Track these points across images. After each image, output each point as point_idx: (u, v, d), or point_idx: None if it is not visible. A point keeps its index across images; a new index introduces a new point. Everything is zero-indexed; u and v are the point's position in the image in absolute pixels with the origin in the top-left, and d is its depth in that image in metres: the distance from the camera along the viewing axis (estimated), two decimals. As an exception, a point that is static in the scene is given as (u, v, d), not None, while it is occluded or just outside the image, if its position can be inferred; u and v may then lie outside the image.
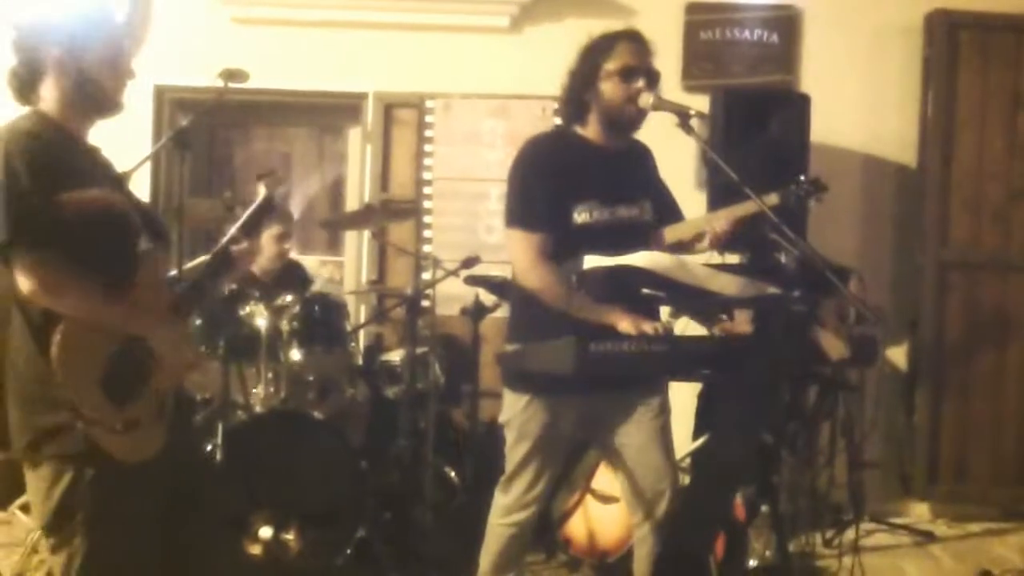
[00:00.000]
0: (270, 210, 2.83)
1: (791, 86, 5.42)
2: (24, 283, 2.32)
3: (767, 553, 3.98)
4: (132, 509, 2.42)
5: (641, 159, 3.33)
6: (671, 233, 3.30)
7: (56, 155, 2.40)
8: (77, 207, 2.37)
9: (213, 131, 5.95)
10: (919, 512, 5.37)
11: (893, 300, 5.42)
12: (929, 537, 4.98)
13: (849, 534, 4.49)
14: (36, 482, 2.43)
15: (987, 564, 4.42)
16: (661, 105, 3.02)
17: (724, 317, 3.05)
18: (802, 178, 3.21)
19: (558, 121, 3.63)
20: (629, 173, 3.24)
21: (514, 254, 3.16)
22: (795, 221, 3.67)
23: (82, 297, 2.36)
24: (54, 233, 2.33)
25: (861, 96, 5.44)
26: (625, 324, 2.84)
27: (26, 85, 2.51)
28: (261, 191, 2.80)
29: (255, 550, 3.91)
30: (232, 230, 2.76)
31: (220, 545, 2.80)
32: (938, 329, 5.32)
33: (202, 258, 3.11)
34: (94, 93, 2.50)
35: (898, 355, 5.47)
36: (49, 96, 2.49)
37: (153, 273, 2.54)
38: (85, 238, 2.38)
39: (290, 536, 3.94)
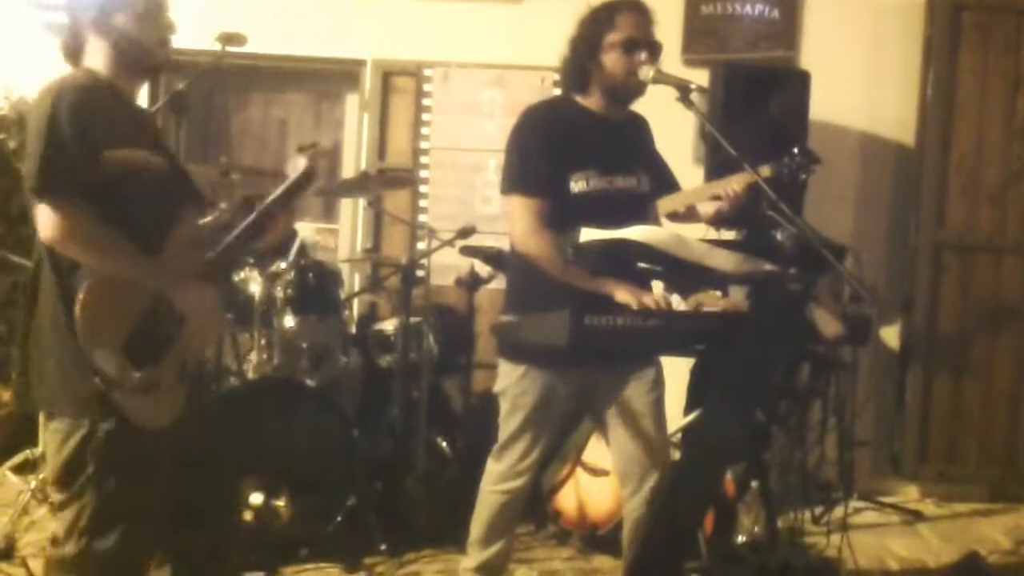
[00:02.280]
0: (308, 185, 2.69)
1: (791, 63, 5.39)
2: (50, 230, 2.30)
3: (756, 529, 4.00)
4: (144, 470, 2.42)
5: (640, 131, 3.33)
6: (665, 204, 3.30)
7: (102, 111, 2.40)
8: (116, 165, 2.38)
9: (210, 96, 5.91)
10: (908, 492, 5.38)
11: (887, 280, 5.42)
12: (917, 516, 5.00)
13: (838, 512, 4.51)
14: (51, 434, 2.44)
15: (974, 544, 4.42)
16: (661, 78, 3.00)
17: (719, 293, 3.05)
18: (795, 150, 3.20)
19: (557, 92, 3.61)
20: (628, 144, 3.23)
21: (513, 220, 3.14)
22: (792, 199, 3.66)
23: (108, 250, 2.35)
24: (89, 186, 2.33)
25: (861, 75, 5.41)
26: (622, 294, 2.83)
27: (73, 52, 2.53)
28: (301, 164, 2.67)
29: (245, 516, 3.92)
30: (268, 200, 2.65)
31: (227, 511, 2.80)
32: (931, 310, 5.32)
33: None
34: (134, 52, 2.52)
35: (891, 335, 5.48)
36: (95, 59, 2.51)
37: (186, 237, 2.52)
38: (120, 196, 2.38)
39: (280, 503, 3.95)
